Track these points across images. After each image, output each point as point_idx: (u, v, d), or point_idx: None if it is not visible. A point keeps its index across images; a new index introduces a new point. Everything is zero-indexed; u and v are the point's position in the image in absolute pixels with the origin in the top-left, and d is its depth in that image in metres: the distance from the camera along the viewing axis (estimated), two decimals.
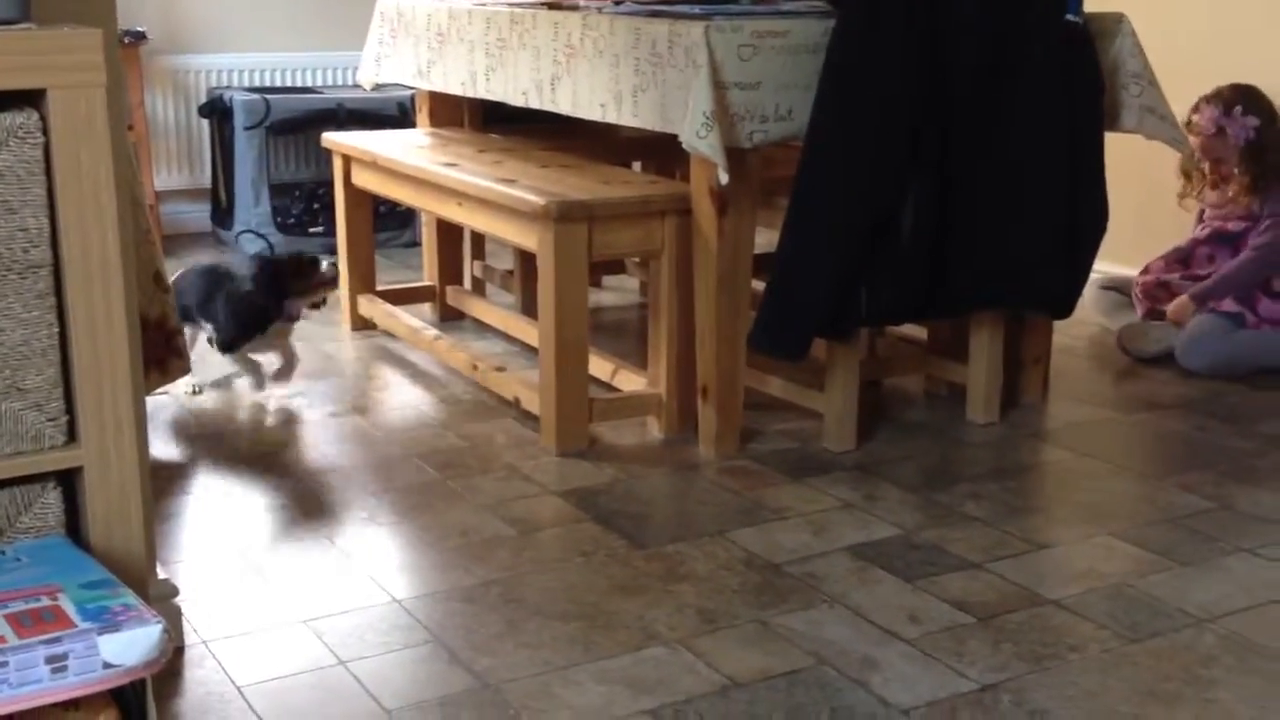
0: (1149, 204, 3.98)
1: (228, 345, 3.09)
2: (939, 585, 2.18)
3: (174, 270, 3.07)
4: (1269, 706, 1.80)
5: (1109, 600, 2.12)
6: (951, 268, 2.73)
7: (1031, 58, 2.70)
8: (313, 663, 1.92)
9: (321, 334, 3.66)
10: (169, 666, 1.85)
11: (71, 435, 1.58)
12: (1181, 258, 3.62)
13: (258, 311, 3.07)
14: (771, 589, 2.16)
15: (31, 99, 1.51)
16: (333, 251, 4.13)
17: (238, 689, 1.85)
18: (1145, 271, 3.68)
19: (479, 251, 4.02)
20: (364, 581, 2.18)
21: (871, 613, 2.08)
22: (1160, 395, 3.21)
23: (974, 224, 2.72)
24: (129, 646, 1.37)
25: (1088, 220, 2.85)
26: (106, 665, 1.36)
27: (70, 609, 1.41)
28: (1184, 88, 3.45)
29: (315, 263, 3.16)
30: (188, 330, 3.02)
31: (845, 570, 2.24)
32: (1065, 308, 2.95)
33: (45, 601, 1.42)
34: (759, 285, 2.73)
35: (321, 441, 2.85)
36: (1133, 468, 2.73)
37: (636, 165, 3.91)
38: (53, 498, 1.59)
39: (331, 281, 3.19)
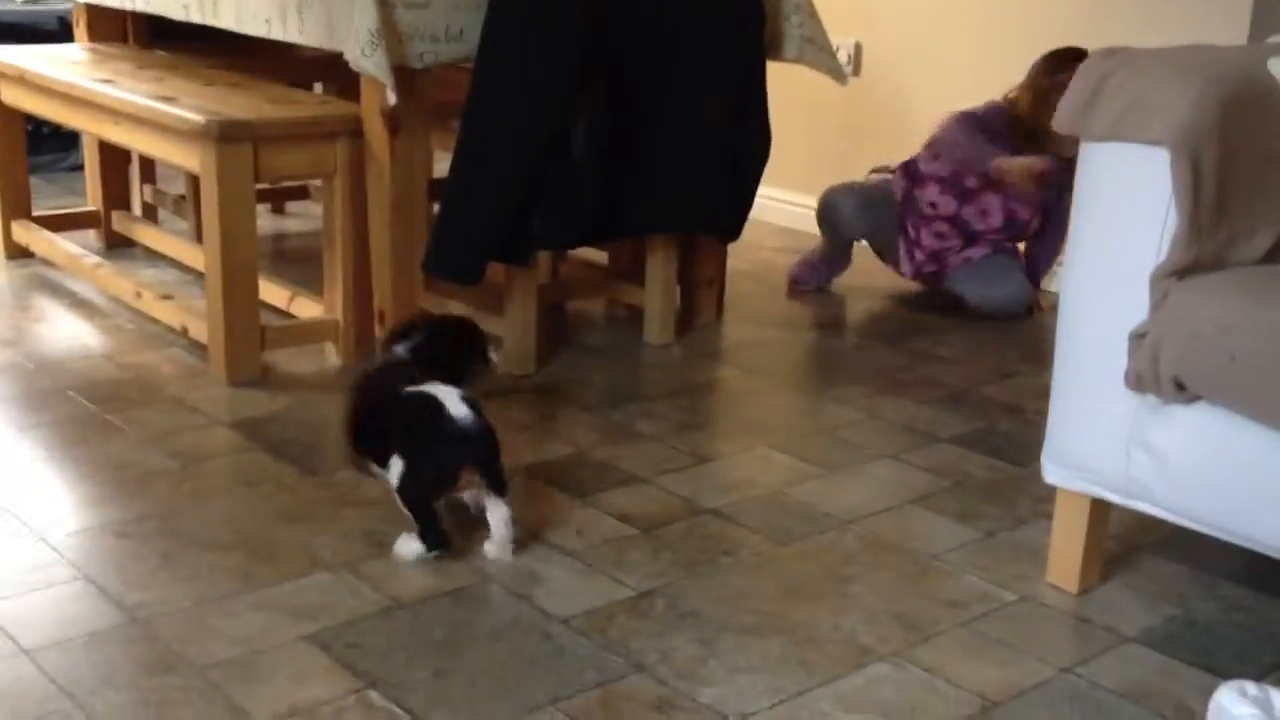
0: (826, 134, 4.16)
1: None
2: (606, 500, 2.24)
3: None
4: (897, 597, 1.94)
5: (763, 507, 2.23)
6: (621, 192, 2.78)
7: None
8: None
9: None
10: None
11: None
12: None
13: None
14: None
15: None
16: None
17: None
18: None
19: (149, 175, 3.82)
20: (6, 520, 2.06)
21: (540, 529, 2.12)
22: (823, 316, 3.39)
23: (642, 149, 2.77)
24: None
25: (752, 147, 2.95)
26: None
27: None
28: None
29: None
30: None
31: (518, 489, 2.24)
32: (732, 231, 3.06)
33: None
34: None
35: None
36: (794, 383, 2.87)
37: (320, 87, 3.80)
38: None
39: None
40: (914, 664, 1.76)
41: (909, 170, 3.44)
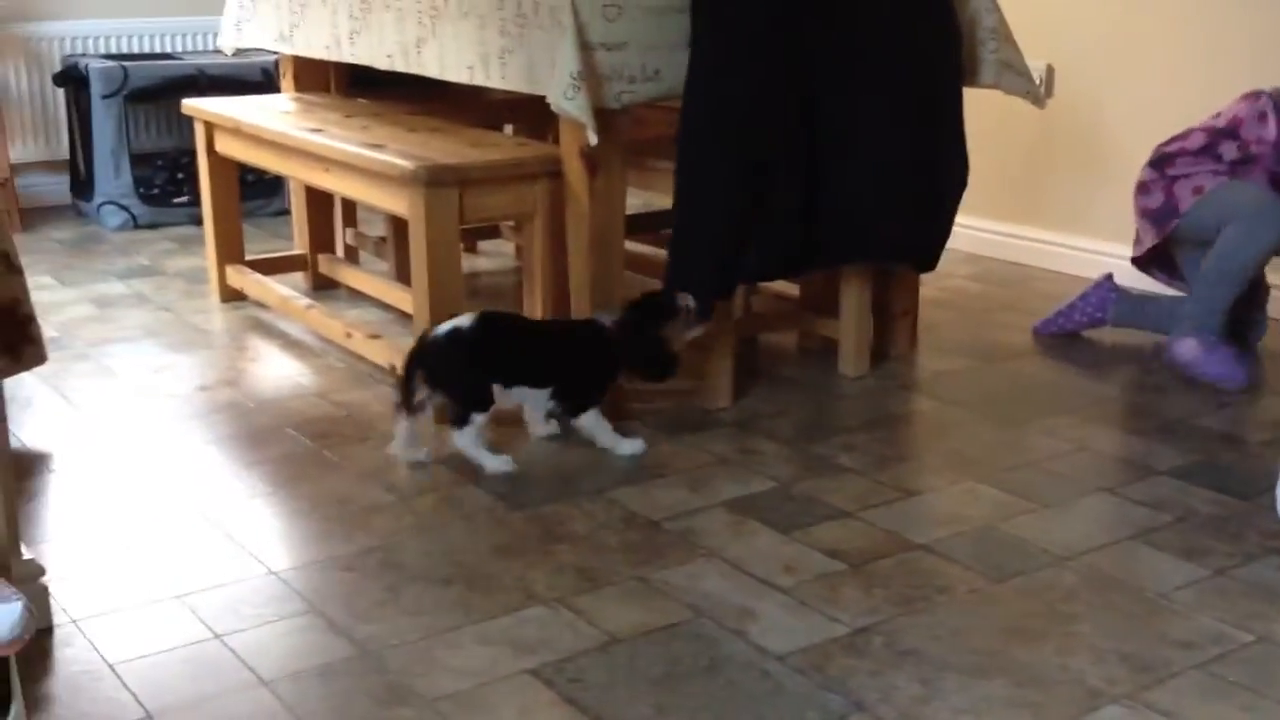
0: (1032, 163, 4.09)
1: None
2: (813, 535, 2.22)
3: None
4: (1125, 637, 1.88)
5: (974, 543, 2.19)
6: (821, 222, 2.77)
7: (887, 11, 2.74)
8: (187, 638, 1.89)
9: (188, 306, 3.59)
10: (37, 646, 1.82)
11: None
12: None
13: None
14: (650, 545, 2.19)
15: None
16: (198, 221, 4.05)
17: (110, 666, 1.82)
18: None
19: (350, 219, 3.96)
20: (238, 554, 2.16)
21: (748, 564, 2.12)
22: (1022, 344, 3.31)
23: (841, 179, 2.76)
24: None
25: (949, 175, 2.91)
26: None
27: None
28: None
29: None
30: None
31: (723, 524, 2.27)
32: (929, 261, 3.01)
33: None
34: (632, 246, 2.75)
35: (191, 415, 2.79)
36: (995, 415, 2.81)
37: (508, 128, 3.89)
38: None
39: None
40: (1149, 708, 1.70)
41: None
